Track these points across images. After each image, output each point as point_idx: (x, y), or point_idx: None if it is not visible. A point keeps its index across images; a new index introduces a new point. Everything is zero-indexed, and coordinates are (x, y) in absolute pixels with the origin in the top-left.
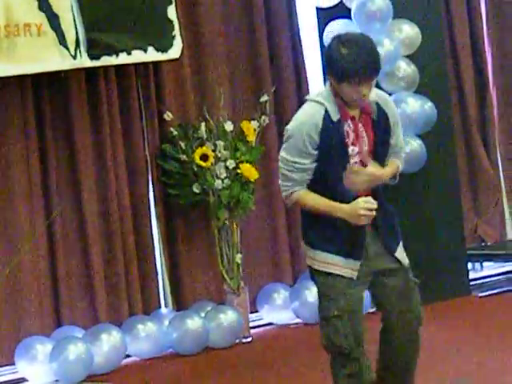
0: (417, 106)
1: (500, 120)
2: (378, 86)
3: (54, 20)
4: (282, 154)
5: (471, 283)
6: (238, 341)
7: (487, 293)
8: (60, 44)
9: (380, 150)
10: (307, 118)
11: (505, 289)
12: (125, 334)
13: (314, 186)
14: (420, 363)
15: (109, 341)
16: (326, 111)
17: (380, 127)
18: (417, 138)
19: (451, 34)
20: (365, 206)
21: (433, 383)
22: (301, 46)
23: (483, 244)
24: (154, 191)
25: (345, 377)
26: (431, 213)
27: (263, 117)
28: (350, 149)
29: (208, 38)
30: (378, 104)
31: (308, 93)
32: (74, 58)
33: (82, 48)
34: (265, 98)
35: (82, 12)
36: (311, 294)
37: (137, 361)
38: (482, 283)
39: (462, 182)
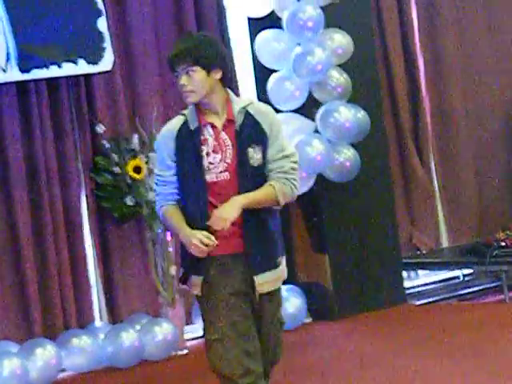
0: (350, 115)
1: (433, 127)
2: (310, 96)
3: None
4: (154, 168)
5: (407, 292)
6: (173, 353)
7: (423, 301)
8: None
9: (243, 164)
10: (166, 129)
11: (440, 297)
12: (60, 348)
13: (181, 199)
14: (354, 372)
15: (44, 355)
16: (186, 121)
17: (245, 138)
18: (350, 148)
19: (383, 41)
20: (201, 238)
21: None
22: (232, 56)
23: (418, 252)
24: (87, 204)
25: None
26: (365, 222)
27: None
28: (212, 157)
29: (139, 49)
30: (248, 114)
31: None
32: (5, 71)
33: (13, 61)
34: None
35: (12, 24)
36: None
37: (72, 375)
38: (418, 291)
39: (397, 190)
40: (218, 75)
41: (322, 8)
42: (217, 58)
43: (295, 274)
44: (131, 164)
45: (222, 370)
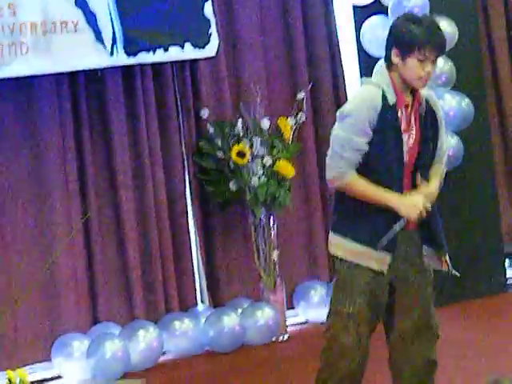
0: (454, 103)
1: None
2: None
3: (90, 17)
4: (337, 132)
5: (508, 281)
6: (274, 338)
7: None
8: (97, 41)
9: (425, 148)
10: (367, 98)
11: None
12: (162, 331)
13: (362, 170)
14: (450, 362)
15: (145, 337)
16: (384, 94)
17: (427, 124)
18: (454, 135)
19: (488, 29)
20: (425, 204)
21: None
22: (338, 43)
23: None
24: (190, 188)
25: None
26: (468, 210)
27: (300, 114)
28: (403, 136)
29: (244, 35)
30: (427, 101)
31: (345, 90)
32: (111, 54)
33: (119, 45)
34: (301, 95)
35: (118, 9)
36: None
37: (173, 358)
38: None
39: (499, 178)
40: None
41: None
42: None
43: None
44: (235, 149)
45: (343, 341)
